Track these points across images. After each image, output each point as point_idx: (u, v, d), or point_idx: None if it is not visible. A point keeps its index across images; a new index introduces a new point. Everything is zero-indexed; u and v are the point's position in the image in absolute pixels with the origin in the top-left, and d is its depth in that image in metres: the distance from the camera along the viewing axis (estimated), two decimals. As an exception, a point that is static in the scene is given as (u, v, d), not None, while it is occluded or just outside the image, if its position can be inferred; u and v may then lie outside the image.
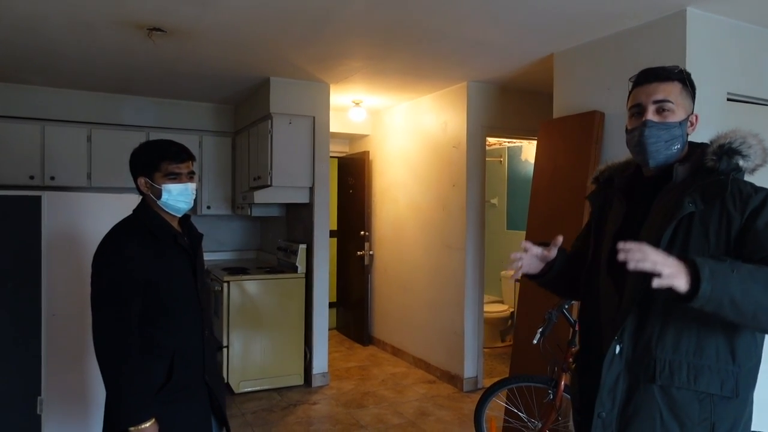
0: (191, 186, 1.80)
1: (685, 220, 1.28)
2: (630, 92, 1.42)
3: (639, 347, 1.30)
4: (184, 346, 1.76)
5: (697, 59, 2.74)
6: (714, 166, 1.30)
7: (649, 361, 1.28)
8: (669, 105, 1.34)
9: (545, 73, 3.76)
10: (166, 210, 1.79)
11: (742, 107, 2.94)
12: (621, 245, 1.12)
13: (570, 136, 3.32)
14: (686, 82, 1.37)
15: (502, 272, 5.83)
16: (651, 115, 1.35)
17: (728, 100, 2.88)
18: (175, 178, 1.76)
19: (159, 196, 1.76)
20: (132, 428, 1.62)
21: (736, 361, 1.25)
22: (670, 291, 1.11)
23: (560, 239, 1.50)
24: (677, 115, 1.34)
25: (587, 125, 3.18)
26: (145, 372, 1.67)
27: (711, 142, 1.34)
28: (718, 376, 1.24)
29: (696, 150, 1.38)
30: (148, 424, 1.64)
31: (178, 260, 1.79)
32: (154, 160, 1.76)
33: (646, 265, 1.09)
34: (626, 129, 1.42)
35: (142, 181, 1.78)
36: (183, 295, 1.78)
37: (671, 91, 1.35)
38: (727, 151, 1.29)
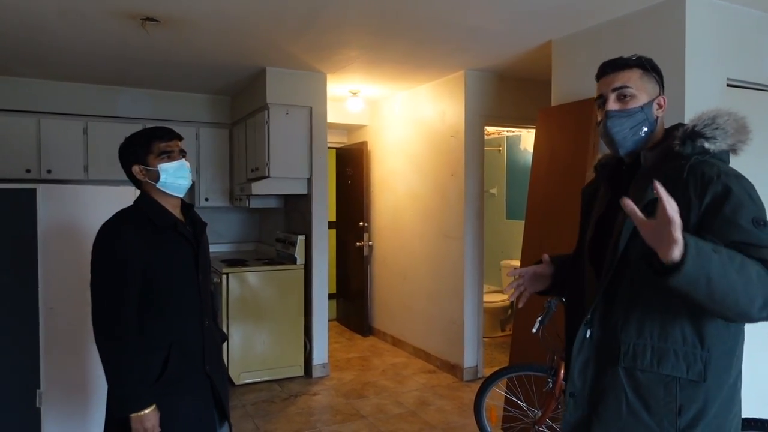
0: (186, 162, 1.79)
1: (650, 206, 1.27)
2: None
3: (606, 331, 1.34)
4: (183, 336, 1.75)
5: (696, 44, 2.71)
6: (680, 150, 1.30)
7: (615, 345, 1.31)
8: (628, 90, 1.36)
9: (543, 60, 3.73)
10: (167, 191, 1.77)
11: (741, 93, 2.91)
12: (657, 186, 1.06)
13: (569, 124, 3.29)
14: (646, 67, 1.39)
15: (502, 261, 5.83)
16: (612, 104, 1.37)
17: (728, 85, 2.85)
18: (168, 155, 1.75)
19: (157, 179, 1.74)
20: (133, 415, 1.62)
21: (704, 345, 1.24)
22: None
23: (546, 257, 1.56)
24: (639, 100, 1.36)
25: (586, 112, 3.15)
26: (143, 360, 1.66)
27: (690, 121, 1.34)
28: (685, 360, 1.24)
29: (672, 133, 1.38)
30: (148, 410, 1.63)
31: (179, 249, 1.77)
32: (145, 144, 1.75)
33: (674, 215, 1.03)
34: (597, 122, 1.45)
35: (136, 169, 1.76)
36: (182, 284, 1.76)
37: (630, 77, 1.37)
38: (689, 135, 1.30)
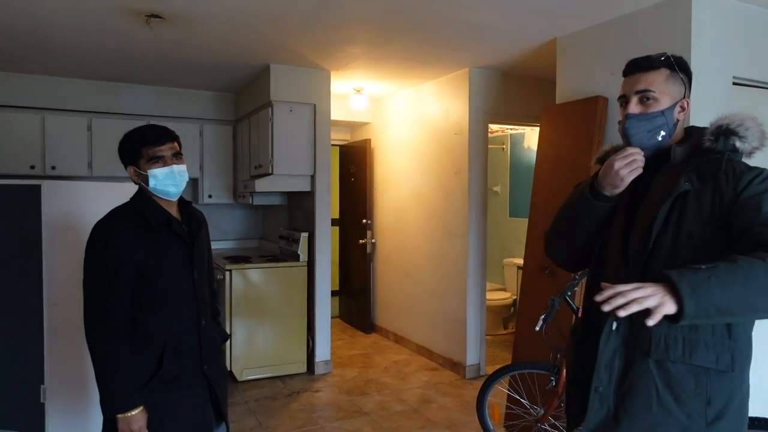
0: (177, 168, 1.76)
1: (681, 198, 1.30)
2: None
3: (635, 322, 1.30)
4: (177, 335, 1.74)
5: (702, 43, 2.70)
6: (711, 146, 1.32)
7: (645, 336, 1.30)
8: (651, 94, 1.36)
9: (548, 58, 3.72)
10: (158, 195, 1.77)
11: (748, 91, 2.90)
12: (597, 297, 1.11)
13: (573, 122, 3.28)
14: (674, 67, 1.38)
15: (505, 259, 5.83)
16: (633, 106, 1.37)
17: (734, 84, 2.83)
18: (159, 161, 1.73)
19: (147, 183, 1.74)
20: (119, 415, 1.61)
21: (732, 335, 1.26)
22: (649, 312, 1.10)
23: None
24: (661, 104, 1.36)
25: (590, 110, 3.15)
26: (135, 359, 1.65)
27: (711, 124, 1.36)
28: (714, 350, 1.25)
29: (695, 133, 1.40)
30: (135, 412, 1.62)
31: (173, 247, 1.76)
32: (136, 147, 1.74)
33: (634, 308, 1.07)
34: (618, 121, 1.45)
35: (131, 170, 1.77)
36: (176, 282, 1.76)
37: (654, 80, 1.36)
38: (724, 132, 1.32)
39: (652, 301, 1.07)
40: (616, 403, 1.33)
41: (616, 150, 1.55)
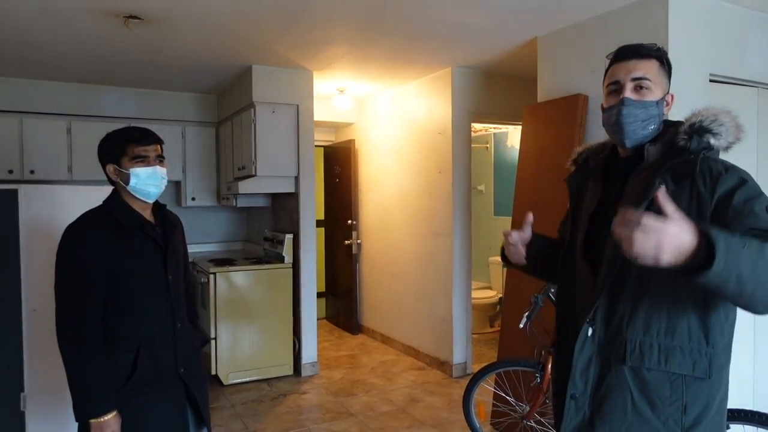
0: (160, 170, 1.75)
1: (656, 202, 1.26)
2: (607, 69, 1.40)
3: (610, 329, 1.29)
4: (152, 338, 1.72)
5: (679, 40, 2.74)
6: (685, 145, 1.28)
7: (620, 343, 1.27)
8: (647, 83, 1.32)
9: (529, 57, 3.75)
10: (137, 196, 1.75)
11: (724, 88, 2.94)
12: (618, 217, 1.03)
13: (554, 120, 3.31)
14: (663, 60, 1.35)
15: (491, 258, 5.86)
16: (629, 93, 1.32)
17: (710, 81, 2.88)
18: (143, 161, 1.72)
19: (128, 182, 1.72)
20: (93, 421, 1.60)
21: (709, 341, 1.23)
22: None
23: (530, 216, 1.50)
24: (654, 94, 1.32)
25: (571, 108, 3.17)
26: (108, 364, 1.64)
27: (685, 120, 1.32)
28: (691, 357, 1.23)
29: (670, 129, 1.35)
30: (107, 417, 1.61)
31: (146, 251, 1.75)
32: (121, 145, 1.72)
33: (648, 254, 1.00)
34: (602, 107, 1.41)
35: (110, 168, 1.74)
36: (150, 286, 1.74)
37: (650, 68, 1.32)
38: (697, 130, 1.27)
39: (668, 256, 1.00)
40: (592, 410, 1.32)
41: (588, 150, 1.53)
